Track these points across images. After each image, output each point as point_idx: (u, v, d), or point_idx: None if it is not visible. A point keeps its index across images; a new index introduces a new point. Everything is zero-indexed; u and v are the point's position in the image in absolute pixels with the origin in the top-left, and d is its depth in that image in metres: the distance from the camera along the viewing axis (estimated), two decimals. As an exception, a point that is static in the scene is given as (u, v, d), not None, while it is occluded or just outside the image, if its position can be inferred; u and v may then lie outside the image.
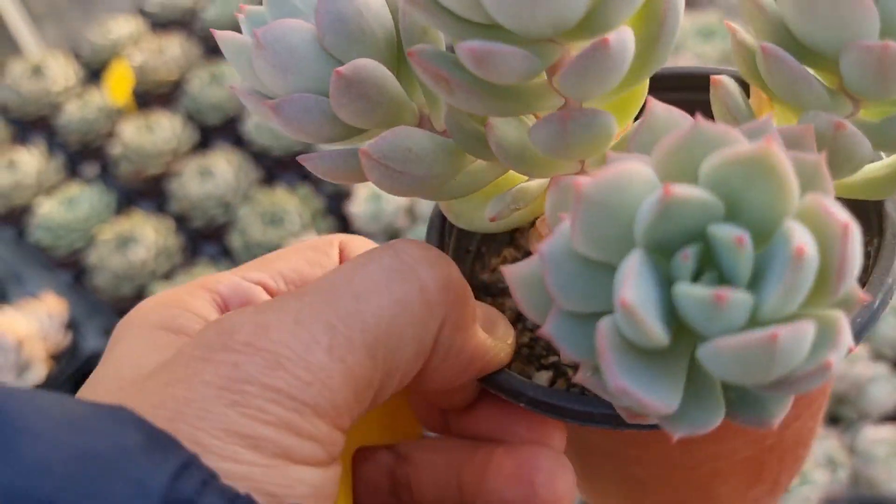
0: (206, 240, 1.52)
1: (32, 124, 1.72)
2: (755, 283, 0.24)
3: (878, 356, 1.08)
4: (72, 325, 1.38)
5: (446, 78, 0.28)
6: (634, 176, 0.24)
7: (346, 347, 0.28)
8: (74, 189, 1.56)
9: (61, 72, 1.73)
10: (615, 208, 0.25)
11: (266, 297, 0.34)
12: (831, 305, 0.25)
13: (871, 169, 0.32)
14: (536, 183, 0.33)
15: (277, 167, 1.58)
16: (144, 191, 1.59)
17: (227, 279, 0.34)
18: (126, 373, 0.29)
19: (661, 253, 0.25)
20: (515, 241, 0.39)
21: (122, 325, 0.32)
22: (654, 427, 0.28)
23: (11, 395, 0.25)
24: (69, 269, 1.52)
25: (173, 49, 1.71)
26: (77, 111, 1.66)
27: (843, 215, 0.23)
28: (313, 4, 0.30)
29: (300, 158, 0.32)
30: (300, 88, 0.30)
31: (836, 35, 0.27)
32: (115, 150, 1.59)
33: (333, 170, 0.32)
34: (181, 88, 1.67)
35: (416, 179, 0.31)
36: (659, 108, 0.26)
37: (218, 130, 1.63)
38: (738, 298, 0.23)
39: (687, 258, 0.24)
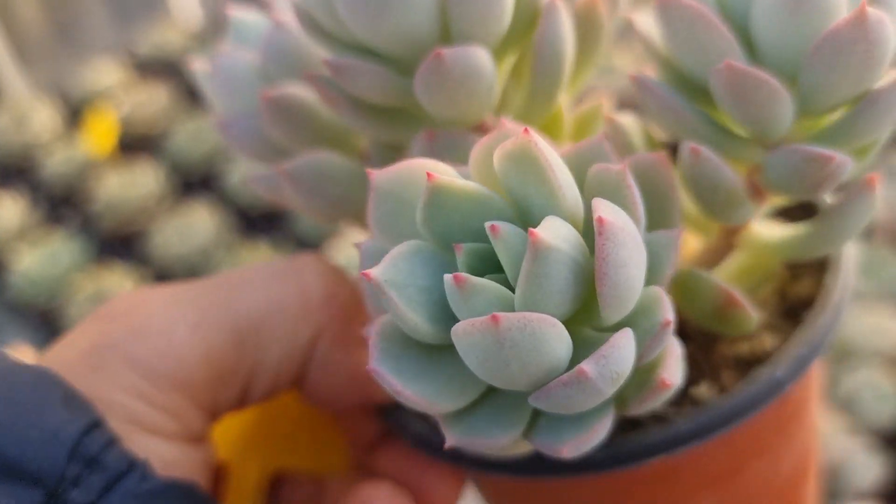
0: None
1: (14, 174, 1.71)
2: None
3: (857, 430, 1.07)
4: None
5: (334, 98, 0.28)
6: (423, 169, 0.24)
7: (211, 329, 0.29)
8: (56, 241, 1.55)
9: (47, 120, 1.72)
10: (405, 200, 0.25)
11: None
12: (613, 321, 0.24)
13: (782, 230, 0.32)
14: None
15: (261, 222, 1.57)
16: (125, 242, 1.58)
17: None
18: None
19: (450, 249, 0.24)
20: None
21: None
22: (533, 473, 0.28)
23: None
24: (46, 322, 1.50)
25: (160, 98, 1.71)
26: (62, 161, 1.65)
27: (604, 212, 0.22)
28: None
29: (249, 180, 0.34)
30: (244, 111, 0.32)
31: (703, 61, 0.27)
32: (97, 201, 1.58)
33: (272, 190, 0.33)
34: (166, 139, 1.67)
35: (333, 200, 0.32)
36: (508, 124, 0.26)
37: (201, 183, 1.62)
38: (480, 285, 0.22)
39: (460, 249, 0.24)
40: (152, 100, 1.70)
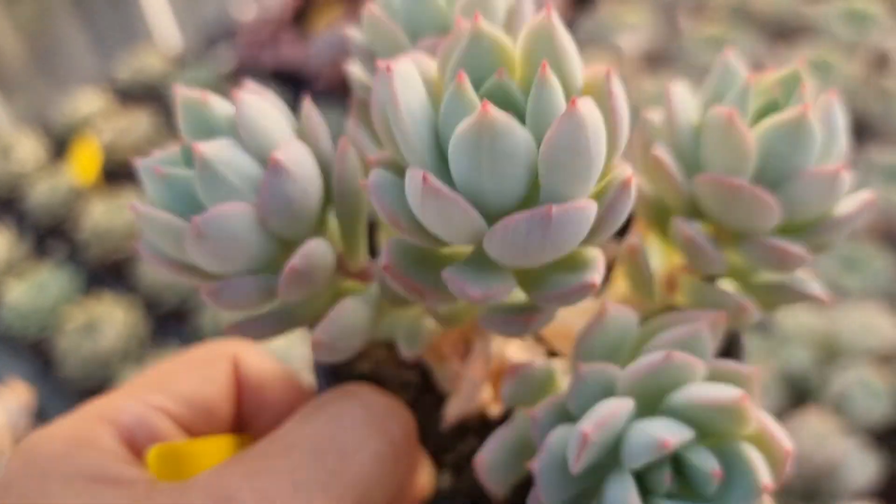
0: (177, 321, 1.51)
1: (1, 206, 1.70)
2: (719, 495, 0.28)
3: (851, 430, 1.07)
4: (40, 415, 1.36)
5: (421, 290, 0.28)
6: (622, 412, 0.28)
7: None
8: (43, 272, 1.55)
9: (30, 151, 1.72)
10: (608, 440, 0.28)
11: (169, 424, 0.33)
12: None
13: None
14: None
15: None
16: (113, 271, 1.58)
17: (128, 408, 0.32)
18: None
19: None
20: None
21: (28, 474, 0.29)
22: None
23: None
24: (38, 355, 1.50)
25: (142, 124, 1.70)
26: (46, 193, 1.65)
27: (787, 442, 0.28)
28: (249, 178, 0.29)
29: (227, 329, 0.31)
30: (240, 271, 0.29)
31: (741, 222, 0.32)
32: (83, 230, 1.58)
33: (263, 334, 0.32)
34: (150, 165, 1.66)
35: (352, 348, 0.32)
36: (613, 309, 0.30)
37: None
38: None
39: (668, 480, 0.28)
40: (134, 126, 1.70)
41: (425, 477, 0.34)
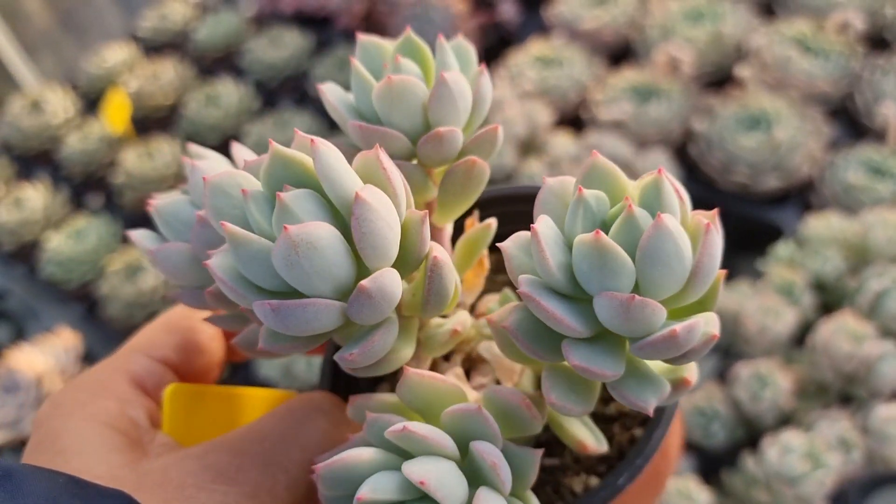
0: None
1: (35, 159, 1.74)
2: None
3: (885, 333, 1.07)
4: (87, 357, 1.40)
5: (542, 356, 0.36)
6: None
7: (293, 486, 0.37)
8: (81, 221, 1.58)
9: (60, 104, 1.75)
10: None
11: (171, 372, 0.42)
12: None
13: None
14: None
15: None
16: (150, 218, 1.60)
17: (137, 359, 0.42)
18: (99, 469, 0.35)
19: None
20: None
21: (55, 415, 0.38)
22: None
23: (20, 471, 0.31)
24: (82, 301, 1.53)
25: (168, 73, 1.72)
26: (78, 143, 1.67)
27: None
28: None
29: (174, 295, 0.41)
30: (185, 283, 0.41)
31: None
32: (118, 178, 1.61)
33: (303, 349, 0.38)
34: (178, 112, 1.69)
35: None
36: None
37: (217, 151, 1.64)
38: None
39: None
40: (160, 75, 1.71)
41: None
